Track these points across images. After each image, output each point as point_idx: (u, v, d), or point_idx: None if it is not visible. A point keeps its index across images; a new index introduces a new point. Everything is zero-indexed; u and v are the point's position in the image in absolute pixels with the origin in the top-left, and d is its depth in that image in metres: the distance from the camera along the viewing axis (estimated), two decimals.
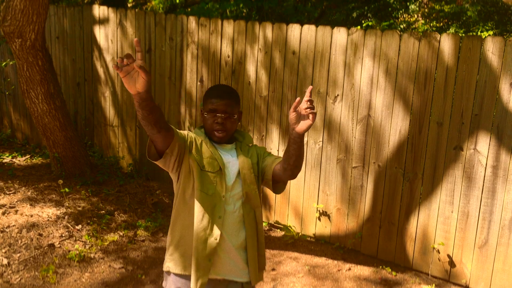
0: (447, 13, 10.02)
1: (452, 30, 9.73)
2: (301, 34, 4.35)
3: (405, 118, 3.99)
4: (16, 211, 4.79)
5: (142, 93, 1.77)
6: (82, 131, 6.22)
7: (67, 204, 4.94)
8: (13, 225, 4.49)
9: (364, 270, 4.12)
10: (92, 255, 4.10)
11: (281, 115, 4.57)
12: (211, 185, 2.13)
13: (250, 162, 2.23)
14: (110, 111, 5.86)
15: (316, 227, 4.58)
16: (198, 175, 2.12)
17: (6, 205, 4.90)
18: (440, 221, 3.96)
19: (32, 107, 5.21)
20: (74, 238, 4.35)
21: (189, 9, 8.47)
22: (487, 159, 3.70)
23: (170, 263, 2.21)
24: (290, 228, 4.68)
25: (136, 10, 5.48)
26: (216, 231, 2.13)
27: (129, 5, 10.38)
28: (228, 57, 4.80)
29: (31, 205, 4.92)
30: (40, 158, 6.24)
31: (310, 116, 1.90)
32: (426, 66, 3.85)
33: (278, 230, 4.79)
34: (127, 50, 5.51)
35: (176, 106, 5.28)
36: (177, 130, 2.14)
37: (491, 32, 9.38)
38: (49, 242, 4.25)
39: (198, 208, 2.12)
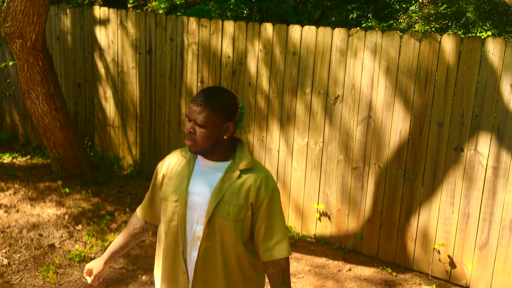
0: (444, 14, 10.03)
1: (451, 31, 9.74)
2: (302, 35, 4.35)
3: (405, 119, 4.00)
4: (17, 211, 4.79)
5: (107, 265, 2.23)
6: (83, 132, 6.22)
7: (67, 205, 4.94)
8: (14, 225, 4.50)
9: (365, 271, 4.12)
10: (92, 256, 4.11)
11: (281, 115, 4.57)
12: (174, 216, 1.96)
13: (234, 197, 1.91)
14: (110, 111, 5.86)
15: (316, 228, 4.58)
16: (162, 205, 2.03)
17: (6, 205, 4.91)
18: (441, 222, 3.97)
19: (33, 108, 5.22)
20: (74, 238, 4.36)
21: (189, 10, 8.47)
22: (487, 160, 3.71)
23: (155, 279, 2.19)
24: (290, 228, 4.68)
25: (137, 10, 5.49)
26: (183, 269, 1.98)
27: (129, 6, 10.39)
28: (229, 57, 4.81)
29: (31, 205, 4.92)
30: (40, 159, 6.24)
31: None
32: (427, 67, 3.86)
33: None
34: (128, 51, 5.52)
35: (177, 107, 5.28)
36: (146, 198, 2.17)
37: (489, 33, 9.40)
38: (50, 243, 4.25)
39: (165, 240, 2.01)
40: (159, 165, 2.10)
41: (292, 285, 3.87)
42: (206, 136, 1.86)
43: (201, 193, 1.94)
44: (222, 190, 1.91)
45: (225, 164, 1.95)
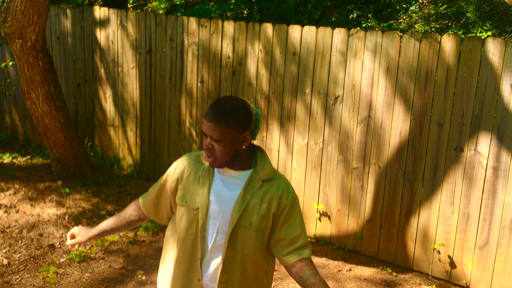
0: (444, 14, 10.03)
1: (451, 31, 9.74)
2: (302, 35, 4.35)
3: (405, 119, 4.00)
4: (17, 211, 4.79)
5: (92, 239, 2.23)
6: (83, 132, 6.22)
7: (67, 205, 4.95)
8: (14, 226, 4.50)
9: (365, 271, 4.12)
10: (92, 256, 4.11)
11: (281, 115, 4.57)
12: (193, 223, 1.95)
13: (256, 207, 1.91)
14: (110, 111, 5.86)
15: (316, 228, 4.58)
16: (178, 211, 2.01)
17: (6, 205, 4.91)
18: (441, 222, 3.97)
19: (33, 108, 5.22)
20: None
21: (189, 10, 8.47)
22: (487, 160, 3.71)
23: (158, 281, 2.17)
24: None
25: (137, 11, 5.49)
26: (198, 276, 1.96)
27: (129, 6, 10.39)
28: (229, 57, 4.81)
29: (31, 205, 4.92)
30: (40, 159, 6.24)
31: None
32: (427, 67, 3.86)
33: None
34: (128, 51, 5.52)
35: (177, 107, 5.28)
36: (152, 194, 2.13)
37: (490, 33, 9.40)
38: (50, 243, 4.25)
39: (182, 246, 2.00)
40: (173, 167, 2.06)
41: (292, 285, 3.87)
42: (225, 150, 1.85)
43: (222, 202, 1.92)
44: (245, 200, 1.90)
45: (246, 173, 1.94)
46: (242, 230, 1.90)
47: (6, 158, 6.23)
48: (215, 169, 1.97)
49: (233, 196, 1.92)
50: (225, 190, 1.93)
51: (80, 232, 2.21)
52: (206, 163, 1.98)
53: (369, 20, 9.30)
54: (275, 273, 4.01)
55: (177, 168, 2.04)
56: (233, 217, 1.90)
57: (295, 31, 4.39)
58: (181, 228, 1.98)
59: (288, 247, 1.94)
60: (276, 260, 4.14)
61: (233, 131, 1.83)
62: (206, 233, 1.94)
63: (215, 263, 1.95)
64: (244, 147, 1.89)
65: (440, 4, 10.36)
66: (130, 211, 2.19)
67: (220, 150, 1.85)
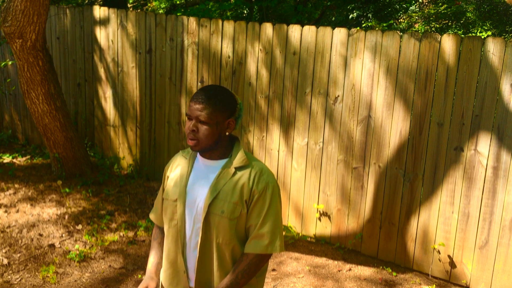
0: (444, 14, 10.03)
1: (451, 31, 9.73)
2: (302, 35, 4.35)
3: (405, 118, 4.00)
4: (17, 211, 4.79)
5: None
6: (83, 132, 6.22)
7: (67, 204, 4.95)
8: (14, 225, 4.50)
9: (365, 271, 4.12)
10: (92, 255, 4.11)
11: (281, 115, 4.57)
12: (174, 215, 1.99)
13: (228, 195, 1.91)
14: (110, 111, 5.86)
15: (316, 228, 4.58)
16: (163, 204, 2.06)
17: (6, 205, 4.91)
18: (441, 222, 3.97)
19: (33, 108, 5.22)
20: (74, 238, 4.36)
21: (189, 10, 8.47)
22: (487, 159, 3.71)
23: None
24: (290, 228, 4.68)
25: (137, 10, 5.49)
26: (183, 268, 2.00)
27: (129, 5, 10.39)
28: (229, 57, 4.81)
29: (31, 205, 4.92)
30: (40, 159, 6.24)
31: None
32: (427, 67, 3.86)
33: None
34: (128, 51, 5.52)
35: (177, 107, 5.28)
36: (158, 204, 2.17)
37: (489, 33, 9.39)
38: (50, 242, 4.25)
39: (166, 240, 2.04)
40: (165, 168, 2.13)
41: (292, 285, 3.86)
42: (209, 133, 1.87)
43: (198, 191, 1.95)
44: (217, 188, 1.92)
45: (222, 162, 1.96)
46: (215, 218, 1.90)
47: (6, 158, 6.23)
48: (196, 160, 2.01)
49: (208, 184, 1.94)
50: (201, 179, 1.96)
51: (149, 283, 2.10)
52: (188, 156, 2.03)
53: (369, 20, 9.30)
54: (274, 273, 4.01)
55: (168, 167, 2.11)
56: (204, 205, 1.91)
57: (295, 31, 4.38)
58: (166, 220, 2.03)
59: (248, 237, 1.95)
60: (275, 259, 4.12)
61: (220, 115, 1.87)
62: (185, 224, 1.97)
63: (195, 254, 1.97)
64: (227, 133, 1.92)
65: (440, 4, 10.36)
66: (157, 233, 2.20)
67: (204, 133, 1.87)
